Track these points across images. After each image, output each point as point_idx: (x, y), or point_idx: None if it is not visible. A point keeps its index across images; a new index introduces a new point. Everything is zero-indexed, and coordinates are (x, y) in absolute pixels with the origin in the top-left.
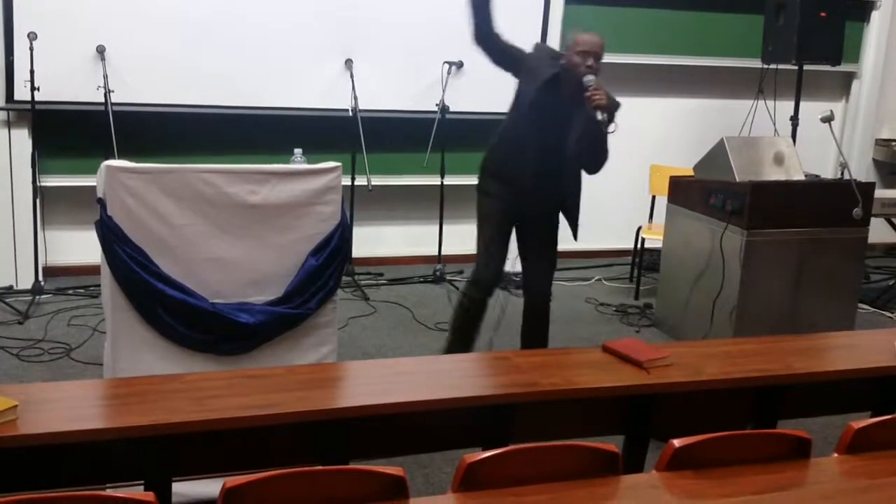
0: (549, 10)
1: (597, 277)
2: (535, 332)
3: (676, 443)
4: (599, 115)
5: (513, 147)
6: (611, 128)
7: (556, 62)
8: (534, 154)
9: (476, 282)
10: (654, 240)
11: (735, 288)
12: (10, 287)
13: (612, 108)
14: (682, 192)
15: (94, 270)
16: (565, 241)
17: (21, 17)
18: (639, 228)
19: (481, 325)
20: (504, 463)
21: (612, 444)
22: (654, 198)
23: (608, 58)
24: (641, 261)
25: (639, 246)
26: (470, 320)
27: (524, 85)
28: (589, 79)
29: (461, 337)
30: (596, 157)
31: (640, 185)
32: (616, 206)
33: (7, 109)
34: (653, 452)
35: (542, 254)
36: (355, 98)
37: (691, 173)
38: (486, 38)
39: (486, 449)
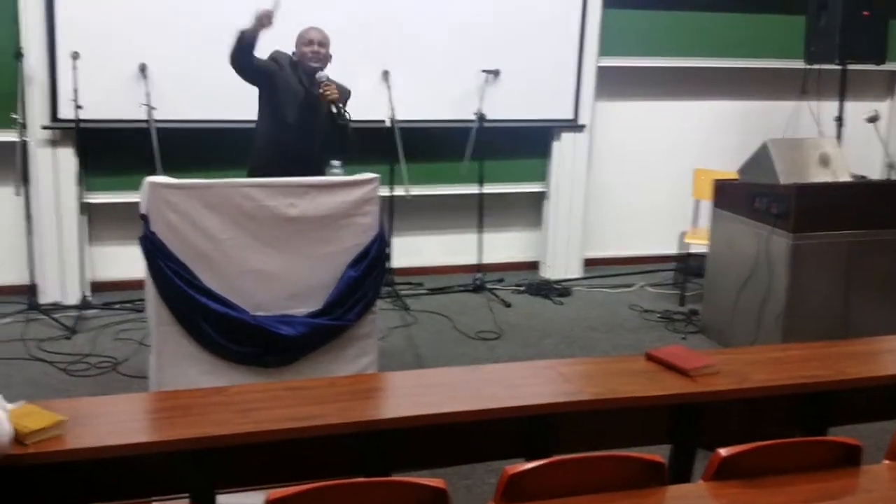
0: (586, 14)
1: (640, 284)
2: None
3: (723, 452)
4: (334, 109)
5: (277, 160)
6: (347, 116)
7: (294, 66)
8: (295, 166)
9: None
10: (698, 245)
11: (782, 292)
12: (58, 303)
13: (343, 98)
14: (727, 195)
15: (140, 285)
16: (606, 248)
17: (64, 36)
18: (683, 233)
19: None
20: (547, 474)
21: (658, 454)
22: (697, 202)
23: (650, 62)
24: (686, 266)
25: (683, 251)
26: None
27: (281, 97)
28: (321, 74)
29: None
30: (343, 144)
31: (684, 189)
32: (659, 211)
33: (52, 128)
34: (700, 462)
35: None
36: (392, 109)
37: (735, 177)
38: (244, 67)
39: (529, 460)
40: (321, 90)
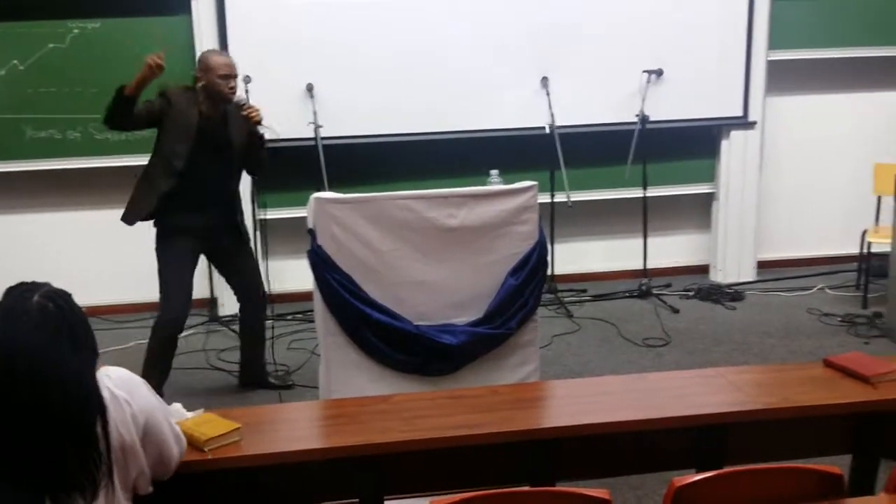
0: (753, 7)
1: (819, 286)
2: (258, 324)
3: None
4: (261, 129)
5: (185, 201)
6: (268, 133)
7: (192, 97)
8: (208, 196)
9: (166, 319)
10: (881, 243)
11: None
12: (236, 315)
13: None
14: None
15: (310, 296)
16: (781, 249)
17: (235, 61)
18: (864, 232)
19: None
20: (717, 486)
21: (837, 465)
22: (879, 198)
23: (823, 53)
24: (868, 266)
25: (865, 250)
26: (163, 358)
27: (174, 138)
28: (241, 97)
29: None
30: (264, 164)
31: (863, 185)
32: (837, 209)
33: None
34: (884, 473)
35: (244, 262)
36: (552, 115)
37: None
38: (121, 129)
39: (699, 471)
40: (246, 113)
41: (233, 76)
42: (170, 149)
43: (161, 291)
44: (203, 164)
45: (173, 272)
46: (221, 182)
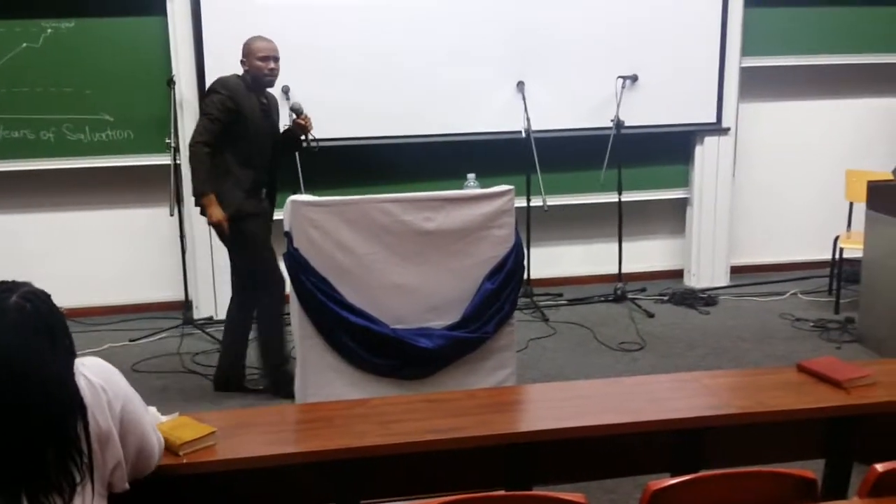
0: (727, 14)
1: (792, 291)
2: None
3: (880, 467)
4: (309, 137)
5: (255, 187)
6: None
7: (246, 85)
8: (263, 181)
9: (281, 292)
10: (853, 249)
11: None
12: (211, 318)
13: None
14: (882, 197)
15: (287, 299)
16: (754, 254)
17: (211, 63)
18: (836, 238)
19: None
20: (692, 490)
21: (811, 469)
22: (851, 205)
23: (797, 60)
24: (840, 272)
25: (837, 256)
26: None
27: (245, 130)
28: (297, 105)
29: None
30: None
31: (836, 191)
32: (810, 215)
33: None
34: (856, 477)
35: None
36: (528, 119)
37: (891, 177)
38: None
39: (674, 475)
40: (300, 121)
41: (272, 58)
42: (244, 140)
43: (261, 272)
44: (260, 149)
45: (264, 251)
46: (270, 164)
